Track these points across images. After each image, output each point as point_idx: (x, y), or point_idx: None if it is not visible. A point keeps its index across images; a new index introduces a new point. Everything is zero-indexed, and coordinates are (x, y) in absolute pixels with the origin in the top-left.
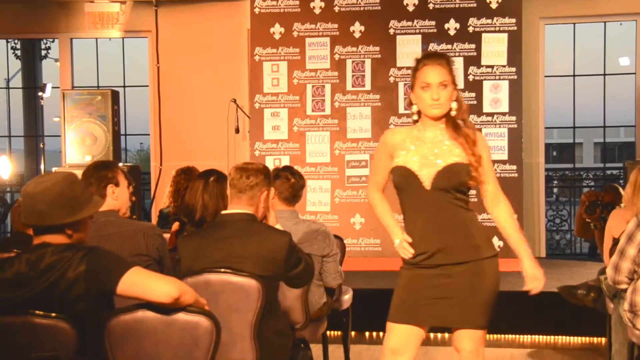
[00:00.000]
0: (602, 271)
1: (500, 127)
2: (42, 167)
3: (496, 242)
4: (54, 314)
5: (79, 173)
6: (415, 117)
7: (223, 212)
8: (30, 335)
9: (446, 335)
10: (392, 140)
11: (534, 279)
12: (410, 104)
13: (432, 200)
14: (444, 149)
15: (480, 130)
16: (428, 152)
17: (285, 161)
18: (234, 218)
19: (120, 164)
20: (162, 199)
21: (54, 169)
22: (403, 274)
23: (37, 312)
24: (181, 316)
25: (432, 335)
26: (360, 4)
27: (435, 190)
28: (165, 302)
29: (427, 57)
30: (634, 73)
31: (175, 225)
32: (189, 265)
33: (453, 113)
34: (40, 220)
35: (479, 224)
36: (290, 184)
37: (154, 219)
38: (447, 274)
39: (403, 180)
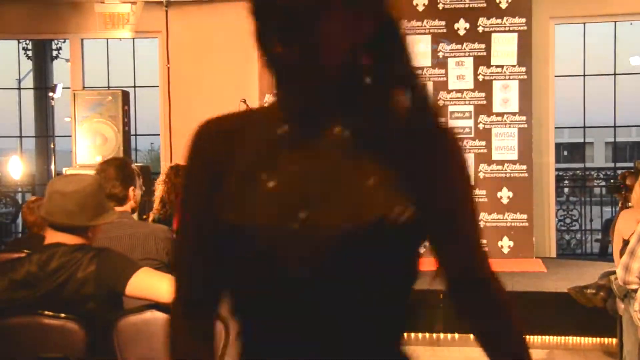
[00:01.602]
0: (606, 274)
1: (510, 127)
2: (52, 167)
3: (506, 242)
4: (63, 315)
5: (91, 173)
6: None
7: None
8: (39, 335)
9: (456, 335)
10: (211, 151)
11: None
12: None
13: (310, 313)
14: (347, 171)
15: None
16: (304, 182)
17: None
18: None
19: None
20: None
21: (64, 169)
22: None
23: (46, 312)
24: None
25: (442, 335)
26: None
27: (322, 287)
28: None
29: None
30: None
31: None
32: None
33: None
34: (69, 219)
35: None
36: None
37: None
38: None
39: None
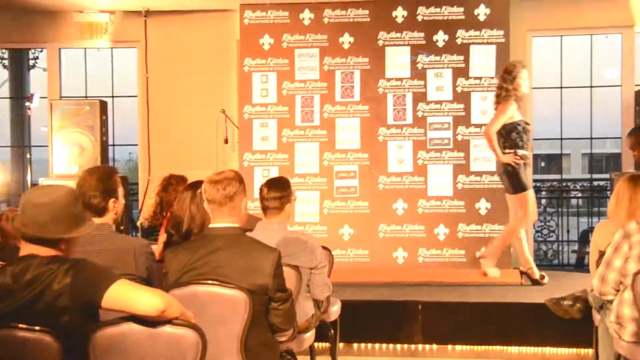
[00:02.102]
0: None
1: None
2: (29, 177)
3: None
4: (37, 327)
5: (67, 184)
6: None
7: (210, 225)
8: (14, 349)
9: (434, 347)
10: None
11: None
12: None
13: None
14: None
15: None
16: None
17: (274, 172)
18: (222, 232)
19: None
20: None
21: (41, 180)
22: None
23: (20, 325)
24: (167, 329)
25: (420, 346)
26: (349, 15)
27: None
28: (151, 315)
29: None
30: (620, 85)
31: (163, 237)
32: (176, 279)
33: None
34: (41, 231)
35: None
36: (273, 195)
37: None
38: None
39: None
